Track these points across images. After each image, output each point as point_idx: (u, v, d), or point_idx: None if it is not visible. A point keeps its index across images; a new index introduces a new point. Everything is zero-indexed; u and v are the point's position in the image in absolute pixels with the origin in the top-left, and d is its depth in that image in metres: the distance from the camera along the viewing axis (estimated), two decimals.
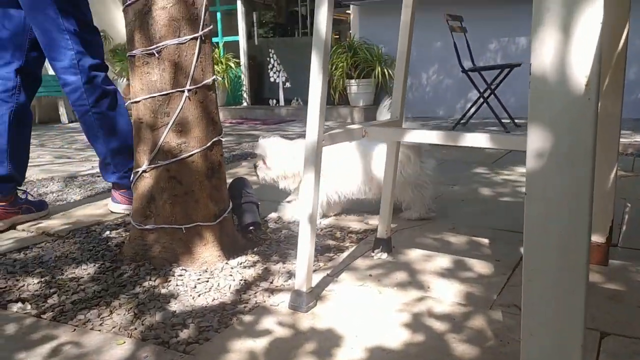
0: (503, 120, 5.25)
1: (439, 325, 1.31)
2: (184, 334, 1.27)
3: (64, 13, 2.10)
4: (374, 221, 2.20)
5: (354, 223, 2.20)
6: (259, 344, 1.23)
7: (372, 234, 2.02)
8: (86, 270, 1.69)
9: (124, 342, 1.24)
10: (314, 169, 1.31)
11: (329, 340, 1.24)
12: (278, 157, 2.18)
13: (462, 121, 5.53)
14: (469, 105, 5.95)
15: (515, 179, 2.99)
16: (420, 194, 2.19)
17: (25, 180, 3.20)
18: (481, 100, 5.33)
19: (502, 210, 2.37)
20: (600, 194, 1.67)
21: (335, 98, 6.77)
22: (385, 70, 6.60)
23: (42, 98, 7.11)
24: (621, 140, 4.10)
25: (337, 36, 10.82)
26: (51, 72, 7.15)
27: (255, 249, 1.86)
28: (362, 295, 1.49)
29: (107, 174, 2.39)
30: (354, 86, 6.70)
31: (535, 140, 0.88)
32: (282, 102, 8.06)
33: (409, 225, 2.14)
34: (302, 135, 2.42)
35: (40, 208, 2.36)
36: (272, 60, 8.28)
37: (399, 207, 2.24)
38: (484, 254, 1.81)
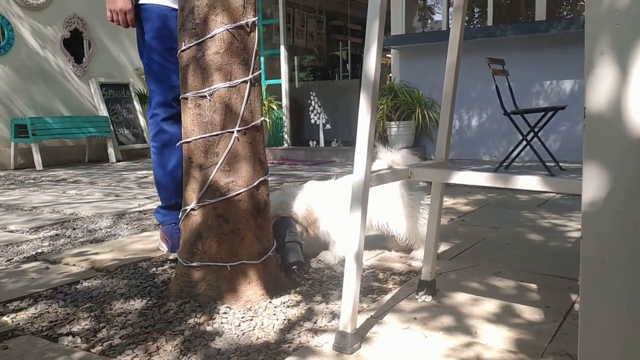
0: (547, 164, 5.16)
1: None
2: None
3: (148, 59, 2.26)
4: (416, 263, 2.18)
5: (396, 264, 2.18)
6: None
7: (415, 276, 2.00)
8: (134, 306, 1.72)
9: None
10: (361, 208, 1.32)
11: None
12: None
13: (504, 164, 5.46)
14: (511, 148, 5.88)
15: (563, 223, 2.91)
16: (413, 225, 2.21)
17: (76, 216, 3.31)
18: (524, 143, 5.26)
19: (550, 254, 2.31)
20: None
21: (375, 139, 6.81)
22: (425, 112, 6.62)
23: (93, 138, 7.39)
24: None
25: None
26: (101, 113, 7.45)
27: (298, 289, 1.86)
28: (407, 339, 1.46)
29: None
30: (394, 128, 6.73)
31: (591, 184, 0.87)
32: (322, 144, 8.15)
33: (453, 268, 2.11)
34: (342, 175, 2.43)
35: None
36: (313, 103, 8.42)
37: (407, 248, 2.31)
38: (533, 300, 1.76)
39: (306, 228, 2.22)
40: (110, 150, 7.39)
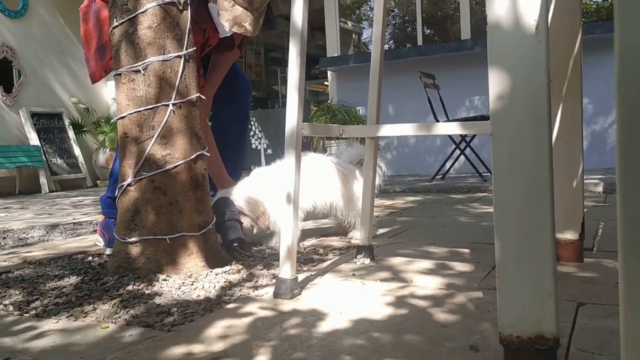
0: (481, 172, 5.39)
1: (421, 303, 1.33)
2: (169, 319, 1.27)
3: None
4: (355, 241, 2.23)
5: (335, 242, 2.23)
6: (243, 321, 1.23)
7: (353, 249, 2.05)
8: (69, 282, 1.68)
9: (108, 327, 1.24)
10: (294, 153, 1.37)
11: (312, 316, 1.25)
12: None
13: (438, 175, 5.67)
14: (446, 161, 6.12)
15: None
16: (350, 202, 2.27)
17: (7, 229, 3.19)
18: (457, 152, 5.49)
19: (483, 231, 2.42)
20: (568, 190, 1.74)
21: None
22: None
23: (24, 168, 7.12)
24: (592, 182, 4.22)
25: (317, 106, 11.18)
26: (32, 143, 7.21)
27: (239, 262, 1.87)
28: (346, 287, 1.50)
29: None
30: (334, 147, 6.87)
31: (496, 83, 0.96)
32: None
33: (389, 242, 2.17)
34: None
35: None
36: (253, 128, 8.48)
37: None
38: (465, 259, 1.84)
39: (255, 220, 2.21)
40: (43, 181, 7.13)
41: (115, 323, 1.27)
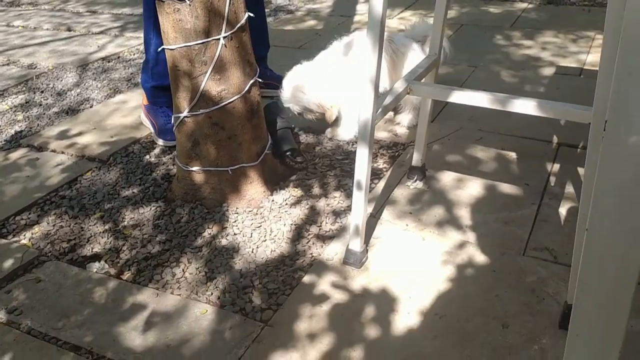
0: None
1: (482, 280, 1.47)
2: (256, 299, 1.44)
3: None
4: (400, 130, 2.27)
5: (381, 132, 2.25)
6: (323, 310, 1.40)
7: (401, 149, 2.11)
8: (144, 215, 1.81)
9: (206, 311, 1.41)
10: (368, 146, 1.36)
11: (385, 305, 1.41)
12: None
13: None
14: None
15: (536, 55, 2.96)
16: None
17: (37, 70, 3.15)
18: None
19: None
20: None
21: None
22: None
23: None
24: None
25: None
26: None
27: (293, 178, 1.96)
28: (407, 244, 1.62)
29: (144, 74, 2.33)
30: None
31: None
32: None
33: (437, 136, 2.19)
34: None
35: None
36: None
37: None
38: (513, 176, 1.91)
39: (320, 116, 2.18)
40: None
41: (209, 302, 1.44)
